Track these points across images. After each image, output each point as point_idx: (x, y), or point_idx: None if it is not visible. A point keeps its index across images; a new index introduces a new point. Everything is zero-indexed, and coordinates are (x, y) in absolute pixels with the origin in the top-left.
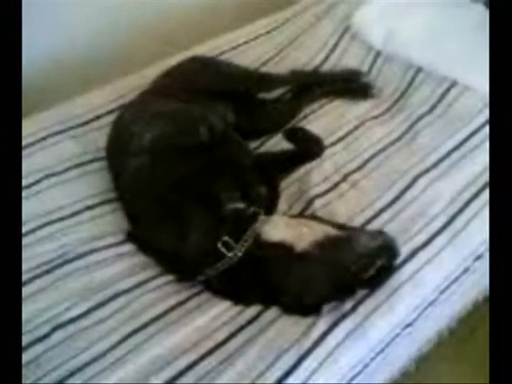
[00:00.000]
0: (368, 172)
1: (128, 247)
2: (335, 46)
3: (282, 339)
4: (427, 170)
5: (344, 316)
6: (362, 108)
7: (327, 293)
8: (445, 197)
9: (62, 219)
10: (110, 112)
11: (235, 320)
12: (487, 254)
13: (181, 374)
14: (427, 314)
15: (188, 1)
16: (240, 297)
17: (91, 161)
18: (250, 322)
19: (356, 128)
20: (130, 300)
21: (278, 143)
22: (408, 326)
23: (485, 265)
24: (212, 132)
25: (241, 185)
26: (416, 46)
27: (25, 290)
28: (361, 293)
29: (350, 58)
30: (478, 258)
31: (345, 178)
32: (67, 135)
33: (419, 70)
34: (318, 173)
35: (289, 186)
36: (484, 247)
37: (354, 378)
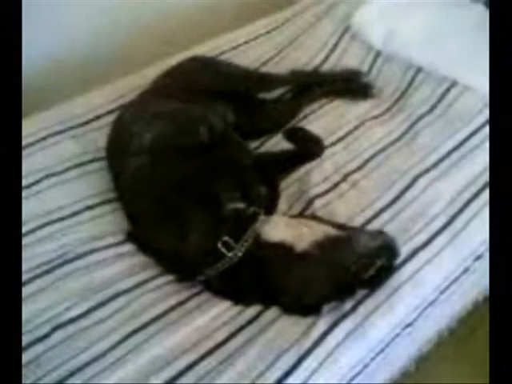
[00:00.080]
0: (368, 172)
1: (128, 247)
2: (335, 45)
3: (282, 339)
4: (427, 170)
5: (344, 316)
6: (361, 108)
7: (327, 293)
8: (445, 197)
9: (62, 219)
10: (109, 112)
11: (235, 320)
12: (487, 254)
13: (181, 373)
14: (427, 314)
15: (188, 1)
16: (240, 297)
17: (91, 161)
18: (250, 322)
19: (356, 128)
20: (130, 300)
21: (277, 143)
22: (408, 326)
23: (485, 265)
24: (212, 132)
25: (241, 185)
26: (416, 45)
27: (25, 290)
28: (361, 293)
29: (349, 58)
30: (478, 258)
31: (345, 178)
32: (67, 135)
33: (419, 69)
34: (318, 173)
35: (289, 186)
36: (484, 247)
37: (354, 377)
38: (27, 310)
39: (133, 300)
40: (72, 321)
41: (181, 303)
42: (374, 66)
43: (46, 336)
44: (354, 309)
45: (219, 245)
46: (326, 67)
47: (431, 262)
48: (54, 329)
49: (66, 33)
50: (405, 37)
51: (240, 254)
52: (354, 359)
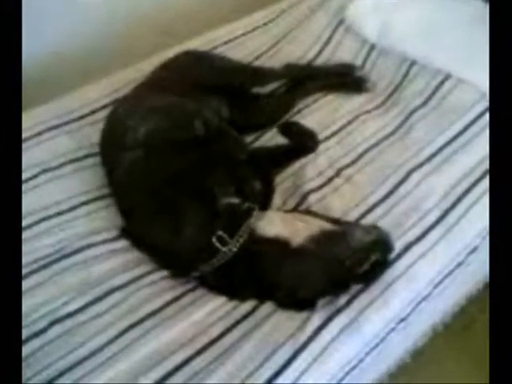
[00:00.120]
0: (362, 166)
1: (122, 243)
2: (329, 39)
3: (277, 334)
4: (421, 165)
5: (338, 311)
6: (356, 102)
7: (322, 287)
8: (438, 191)
9: (59, 214)
10: (104, 106)
11: (230, 315)
12: (481, 248)
13: (177, 368)
14: (421, 308)
15: None
16: (235, 292)
17: (86, 156)
18: (245, 316)
19: (350, 122)
20: (127, 295)
21: (272, 138)
22: (402, 320)
23: (479, 258)
24: (207, 126)
25: (235, 179)
26: (411, 39)
27: (23, 285)
28: (355, 287)
29: (344, 52)
30: (472, 251)
31: (339, 172)
32: (62, 130)
33: (413, 63)
34: (312, 167)
35: (283, 181)
36: (478, 241)
37: (349, 372)
38: (25, 304)
39: (129, 295)
40: (69, 315)
41: (176, 298)
42: (368, 60)
43: (44, 331)
44: (348, 303)
45: (214, 240)
46: (320, 61)
47: (425, 256)
48: (52, 323)
49: (64, 24)
50: (399, 30)
51: (235, 249)
52: (348, 354)
